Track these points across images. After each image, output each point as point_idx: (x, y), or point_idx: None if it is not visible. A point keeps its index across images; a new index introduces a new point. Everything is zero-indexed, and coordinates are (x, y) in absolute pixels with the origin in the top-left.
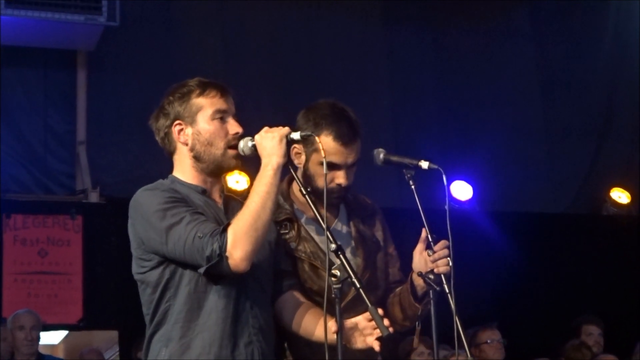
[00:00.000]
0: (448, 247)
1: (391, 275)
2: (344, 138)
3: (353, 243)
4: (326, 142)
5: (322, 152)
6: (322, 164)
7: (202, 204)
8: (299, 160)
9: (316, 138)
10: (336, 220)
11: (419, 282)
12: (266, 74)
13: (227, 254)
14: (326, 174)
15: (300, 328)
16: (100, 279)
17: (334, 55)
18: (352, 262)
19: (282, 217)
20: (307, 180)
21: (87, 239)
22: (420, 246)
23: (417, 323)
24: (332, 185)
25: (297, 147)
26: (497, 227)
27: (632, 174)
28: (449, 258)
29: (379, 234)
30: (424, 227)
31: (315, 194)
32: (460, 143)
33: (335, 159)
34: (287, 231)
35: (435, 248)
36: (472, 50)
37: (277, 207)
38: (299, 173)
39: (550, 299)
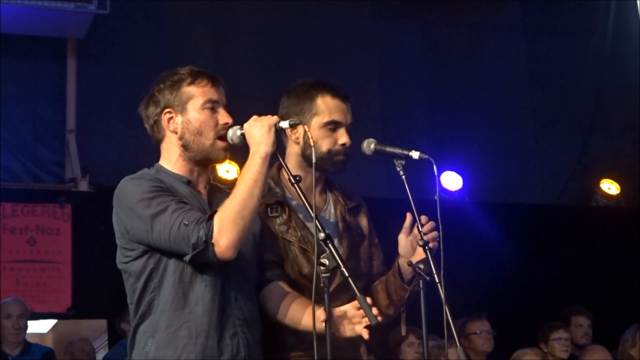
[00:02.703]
0: (437, 229)
1: (375, 267)
2: (341, 94)
3: (339, 232)
4: (325, 101)
5: (323, 114)
6: (324, 126)
7: (187, 194)
8: (297, 135)
9: (305, 127)
10: (324, 209)
11: (404, 267)
12: (255, 65)
13: (213, 241)
14: (314, 151)
15: (286, 317)
16: (89, 268)
17: (323, 47)
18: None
19: (272, 200)
20: (310, 150)
21: (77, 228)
22: (405, 230)
23: (402, 310)
24: (337, 147)
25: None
26: (486, 218)
27: (621, 165)
28: (438, 233)
29: (364, 225)
30: (410, 212)
31: (320, 161)
32: (449, 134)
33: (337, 116)
34: (277, 214)
35: (422, 221)
36: (462, 43)
37: (268, 190)
38: (298, 149)
39: (540, 289)
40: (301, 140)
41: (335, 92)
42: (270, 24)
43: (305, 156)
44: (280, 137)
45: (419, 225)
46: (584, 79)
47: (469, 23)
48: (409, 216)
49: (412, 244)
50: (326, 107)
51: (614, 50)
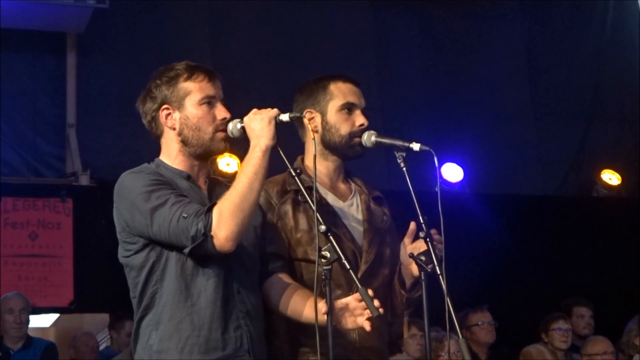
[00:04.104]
0: (438, 220)
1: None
2: (352, 79)
3: (363, 221)
4: (338, 86)
5: (339, 97)
6: (340, 110)
7: (187, 189)
8: (315, 124)
9: (305, 120)
10: (350, 197)
11: (406, 272)
12: (254, 57)
13: (212, 233)
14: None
15: (288, 309)
16: (90, 262)
17: (321, 38)
18: (363, 241)
19: (303, 186)
20: (330, 135)
21: (78, 222)
22: (408, 238)
23: (404, 313)
24: (355, 128)
25: (309, 112)
26: (487, 209)
27: (622, 155)
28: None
29: (388, 214)
30: (418, 217)
31: (340, 145)
32: (448, 126)
33: (351, 98)
34: (306, 201)
35: (433, 232)
36: (461, 33)
37: (295, 181)
38: (317, 138)
39: (541, 281)
40: (320, 128)
41: (347, 78)
42: (268, 17)
43: (325, 142)
44: (279, 130)
45: (421, 217)
46: (583, 69)
47: (467, 13)
48: (412, 225)
49: (413, 250)
50: (340, 91)
51: (613, 39)
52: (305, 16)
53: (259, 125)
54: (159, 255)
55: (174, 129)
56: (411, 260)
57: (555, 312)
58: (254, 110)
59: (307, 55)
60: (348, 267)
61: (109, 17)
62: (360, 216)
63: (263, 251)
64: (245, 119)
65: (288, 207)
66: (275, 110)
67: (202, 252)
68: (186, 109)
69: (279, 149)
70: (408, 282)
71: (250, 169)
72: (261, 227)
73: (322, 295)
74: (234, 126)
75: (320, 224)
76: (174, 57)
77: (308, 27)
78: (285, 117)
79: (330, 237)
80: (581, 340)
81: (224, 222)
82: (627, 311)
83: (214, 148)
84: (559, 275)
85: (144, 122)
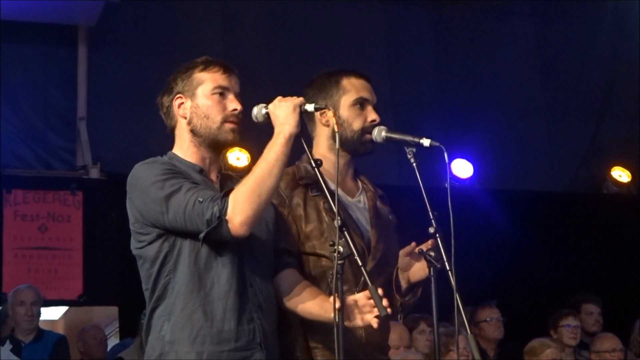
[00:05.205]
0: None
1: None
2: (364, 74)
3: (370, 217)
4: (351, 81)
5: (352, 91)
6: (353, 105)
7: (200, 181)
8: (327, 118)
9: (331, 111)
10: (357, 195)
11: (403, 276)
12: (265, 53)
13: (228, 217)
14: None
15: (295, 305)
16: (100, 255)
17: (333, 34)
18: (370, 238)
19: (312, 180)
20: (342, 130)
21: (88, 215)
22: (406, 252)
23: (399, 317)
24: (366, 124)
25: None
26: (497, 206)
27: (632, 152)
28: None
29: (392, 214)
30: (428, 213)
31: (351, 141)
32: (459, 122)
33: (364, 94)
34: (319, 194)
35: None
36: (472, 30)
37: (305, 173)
38: (328, 132)
39: (550, 277)
40: (331, 122)
41: (359, 73)
42: (279, 11)
43: (335, 138)
44: (303, 121)
45: (431, 213)
46: (594, 66)
47: (478, 10)
48: (413, 244)
49: (410, 263)
50: (352, 86)
51: (624, 36)
52: (316, 13)
53: (284, 112)
54: (172, 246)
55: (185, 117)
56: (408, 266)
57: (564, 308)
58: (279, 97)
59: (319, 52)
60: (360, 263)
61: (120, 10)
62: (367, 213)
63: (275, 247)
64: (270, 106)
65: (299, 200)
66: (300, 99)
67: (217, 237)
68: (197, 98)
69: (301, 138)
70: (404, 286)
71: (272, 155)
72: (273, 222)
73: (332, 291)
74: (258, 111)
75: (337, 218)
76: (185, 52)
77: (319, 23)
78: (310, 107)
79: (345, 233)
80: (590, 337)
81: (240, 206)
82: (636, 308)
83: (221, 137)
84: (568, 272)
85: (162, 114)
